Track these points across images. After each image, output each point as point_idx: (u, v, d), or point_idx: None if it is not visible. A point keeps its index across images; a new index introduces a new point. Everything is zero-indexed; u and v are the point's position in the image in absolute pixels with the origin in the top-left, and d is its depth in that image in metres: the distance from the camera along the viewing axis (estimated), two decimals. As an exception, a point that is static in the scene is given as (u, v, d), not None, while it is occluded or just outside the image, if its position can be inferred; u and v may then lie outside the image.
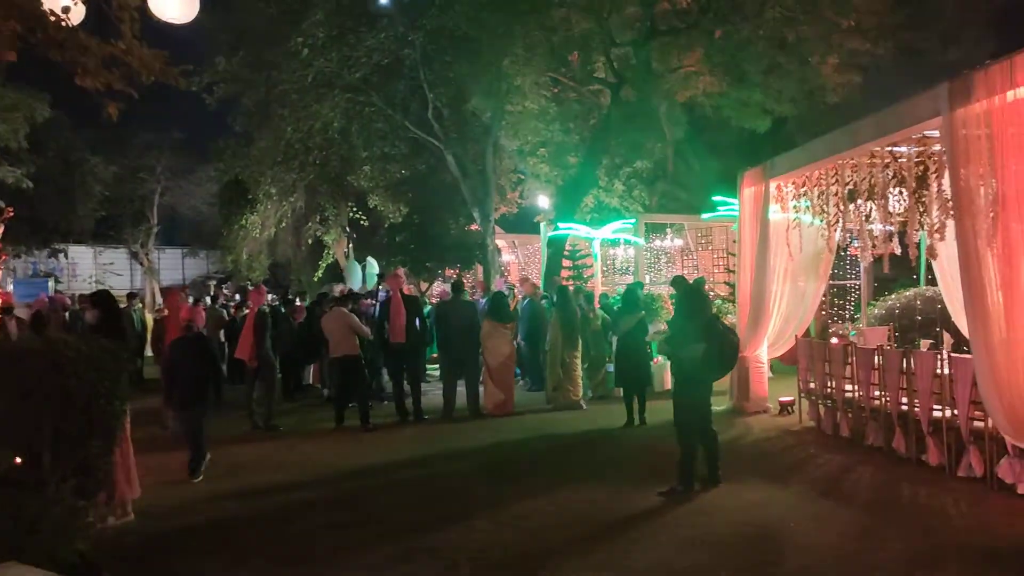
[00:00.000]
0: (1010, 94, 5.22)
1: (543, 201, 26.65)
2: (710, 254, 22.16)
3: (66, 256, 37.45)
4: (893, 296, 12.25)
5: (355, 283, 19.22)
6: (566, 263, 20.37)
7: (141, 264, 39.92)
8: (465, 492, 7.11)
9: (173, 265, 43.83)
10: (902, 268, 11.57)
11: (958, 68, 6.49)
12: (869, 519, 5.90)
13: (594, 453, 8.64)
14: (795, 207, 9.78)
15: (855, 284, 17.03)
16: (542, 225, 21.33)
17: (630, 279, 21.42)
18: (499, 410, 11.09)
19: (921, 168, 7.74)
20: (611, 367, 13.06)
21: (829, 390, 8.92)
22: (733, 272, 18.63)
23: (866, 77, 19.28)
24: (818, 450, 8.28)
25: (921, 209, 7.91)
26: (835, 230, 9.48)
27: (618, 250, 23.94)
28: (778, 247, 10.02)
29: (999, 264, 5.31)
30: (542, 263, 20.46)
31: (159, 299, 38.26)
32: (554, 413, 11.18)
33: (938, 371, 7.02)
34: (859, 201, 8.93)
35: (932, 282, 12.07)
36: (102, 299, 6.94)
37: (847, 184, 8.72)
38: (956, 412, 6.76)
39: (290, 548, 5.71)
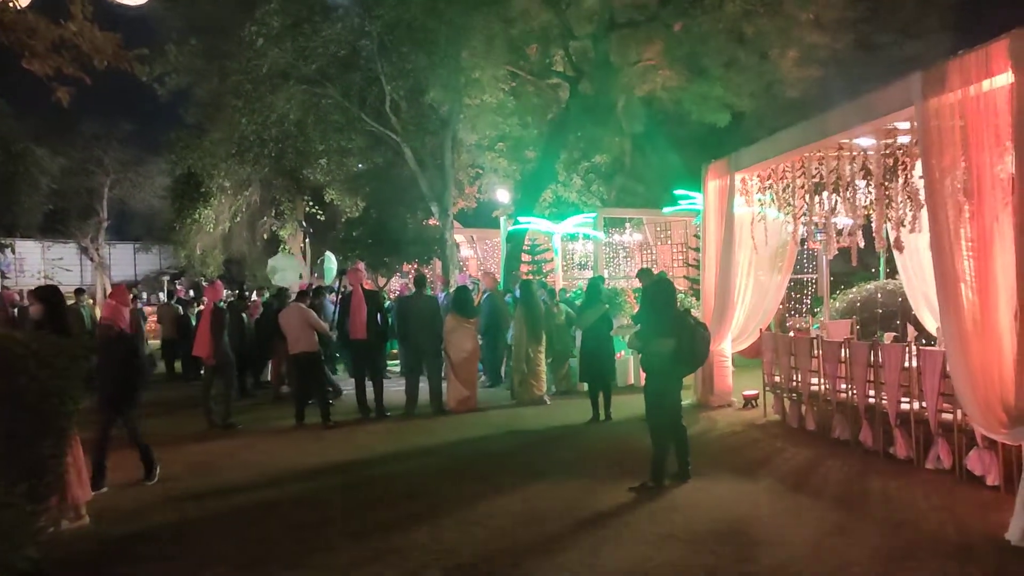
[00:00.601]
0: (986, 83, 5.19)
1: (502, 195, 26.58)
2: (669, 248, 22.22)
3: (12, 251, 36.33)
4: (854, 289, 12.36)
5: (287, 279, 18.84)
6: (525, 257, 20.27)
7: (91, 259, 38.96)
8: (431, 490, 6.94)
9: (125, 260, 42.88)
10: (848, 262, 11.68)
11: (916, 63, 6.50)
12: (842, 513, 5.87)
13: (561, 449, 8.53)
14: (760, 200, 9.76)
15: (811, 278, 17.18)
16: (502, 220, 21.17)
17: (589, 274, 21.42)
18: (463, 407, 10.93)
19: (891, 160, 7.72)
20: (575, 362, 13.02)
21: (795, 383, 8.92)
22: (693, 266, 18.72)
23: (825, 72, 19.48)
24: (785, 444, 8.26)
25: (887, 201, 7.90)
26: (799, 223, 9.48)
27: (576, 245, 23.91)
28: (742, 240, 10.01)
29: (973, 254, 5.29)
30: (502, 258, 20.30)
31: (110, 295, 37.37)
32: (518, 409, 11.06)
33: (906, 364, 7.03)
34: (824, 194, 8.93)
35: (892, 276, 12.24)
36: (47, 294, 6.53)
37: (813, 177, 8.71)
38: (924, 404, 6.78)
39: (252, 552, 5.50)
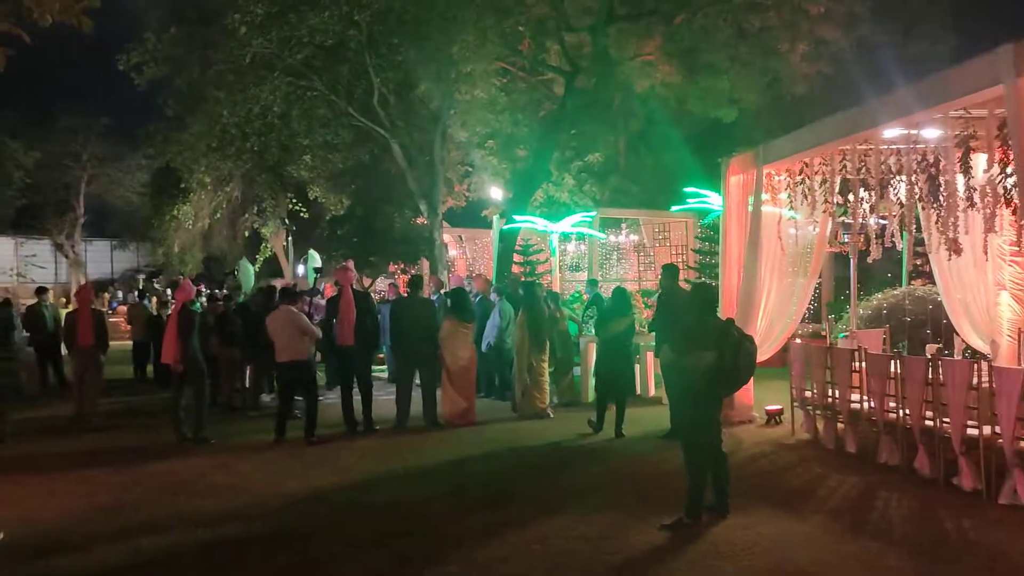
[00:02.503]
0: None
1: (495, 193, 25.69)
2: (667, 250, 21.31)
3: (-17, 246, 35.23)
4: (879, 295, 11.52)
5: (246, 284, 17.96)
6: (518, 258, 19.41)
7: (67, 256, 37.82)
8: (430, 525, 6.00)
9: (101, 258, 41.71)
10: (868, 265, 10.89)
11: (920, 62, 5.71)
12: (921, 562, 4.97)
13: (575, 473, 7.60)
14: (789, 197, 8.90)
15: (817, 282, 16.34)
16: (494, 219, 20.31)
17: (583, 276, 20.56)
18: (460, 419, 10.00)
19: (959, 152, 6.84)
20: (577, 371, 12.15)
21: (830, 400, 8.05)
22: (693, 269, 17.90)
23: (833, 68, 18.75)
24: (825, 469, 7.36)
25: (940, 199, 7.05)
26: (831, 222, 8.65)
27: (569, 245, 23.09)
28: (768, 240, 9.15)
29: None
30: (493, 258, 19.42)
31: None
32: (520, 422, 10.14)
33: (974, 382, 6.16)
34: (862, 191, 8.08)
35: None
36: None
37: (859, 171, 7.84)
38: (998, 430, 5.91)
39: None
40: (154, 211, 27.93)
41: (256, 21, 16.76)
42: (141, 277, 35.77)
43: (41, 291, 15.00)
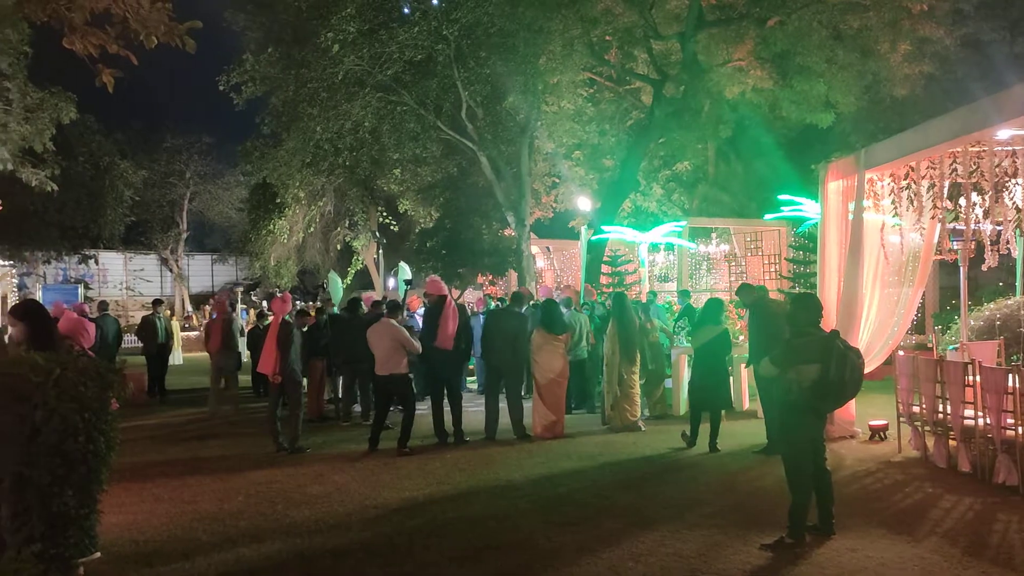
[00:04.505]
0: None
1: (583, 204, 25.59)
2: (759, 260, 20.74)
3: (96, 262, 37.07)
4: (991, 305, 10.92)
5: (335, 297, 18.31)
6: (606, 269, 19.25)
7: (171, 270, 39.48)
8: (521, 539, 5.94)
9: (202, 271, 43.39)
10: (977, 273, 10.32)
11: None
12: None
13: (667, 488, 7.42)
14: (893, 203, 8.52)
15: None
16: (581, 230, 20.18)
17: (671, 287, 20.23)
18: (548, 432, 9.92)
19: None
20: (669, 383, 11.93)
21: (940, 416, 7.65)
22: (787, 279, 17.37)
23: (936, 69, 17.98)
24: (937, 488, 6.99)
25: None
26: (940, 228, 8.24)
27: (658, 255, 22.77)
28: (870, 248, 8.78)
29: None
30: (581, 269, 19.29)
31: (188, 306, 37.78)
32: (610, 436, 10.00)
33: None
34: (974, 196, 7.67)
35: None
36: (29, 311, 5.40)
37: (971, 174, 7.45)
38: None
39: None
40: (251, 226, 28.93)
41: (348, 39, 17.20)
42: (239, 290, 37.00)
43: (157, 303, 15.69)
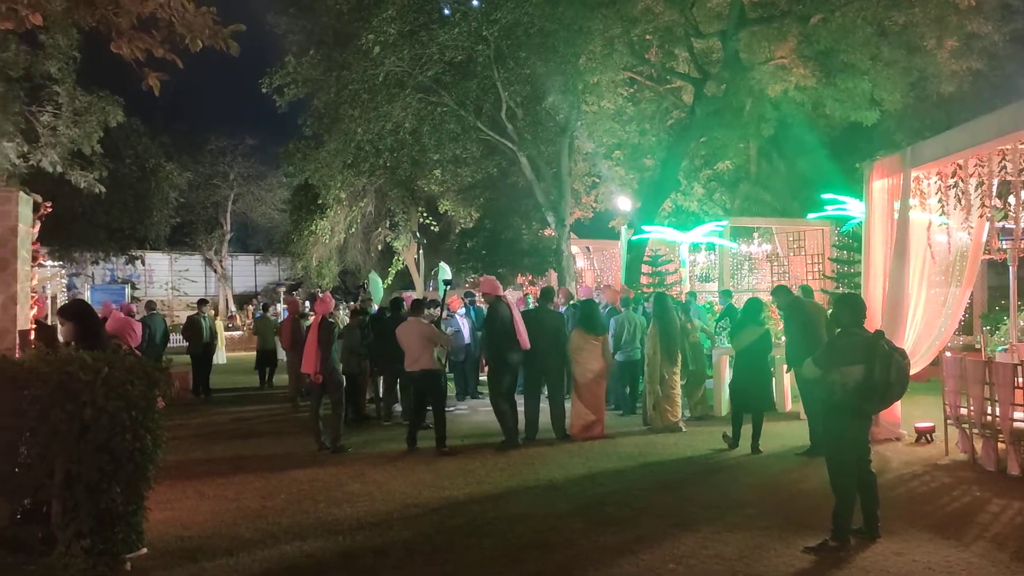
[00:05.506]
0: None
1: (623, 204, 25.47)
2: (802, 260, 20.48)
3: (143, 263, 37.83)
4: (1042, 305, 10.67)
5: (375, 297, 18.50)
6: (646, 269, 19.15)
7: (215, 271, 40.15)
8: (566, 540, 5.93)
9: (246, 272, 44.08)
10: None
11: None
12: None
13: (709, 489, 7.37)
14: (940, 201, 8.36)
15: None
16: (621, 230, 20.10)
17: (712, 286, 20.05)
18: (587, 433, 9.90)
19: None
20: (710, 383, 11.85)
21: (989, 418, 7.49)
22: (830, 279, 17.13)
23: (984, 65, 17.61)
24: (985, 491, 6.85)
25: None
26: (989, 226, 8.07)
27: (699, 255, 22.57)
28: (917, 248, 8.63)
29: None
30: (622, 269, 19.22)
31: (232, 306, 38.40)
32: (651, 436, 9.95)
33: None
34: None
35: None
36: (77, 311, 5.53)
37: (1021, 172, 7.29)
38: None
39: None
40: (293, 226, 29.32)
41: (389, 41, 17.31)
42: (282, 290, 37.50)
43: (202, 303, 15.97)
